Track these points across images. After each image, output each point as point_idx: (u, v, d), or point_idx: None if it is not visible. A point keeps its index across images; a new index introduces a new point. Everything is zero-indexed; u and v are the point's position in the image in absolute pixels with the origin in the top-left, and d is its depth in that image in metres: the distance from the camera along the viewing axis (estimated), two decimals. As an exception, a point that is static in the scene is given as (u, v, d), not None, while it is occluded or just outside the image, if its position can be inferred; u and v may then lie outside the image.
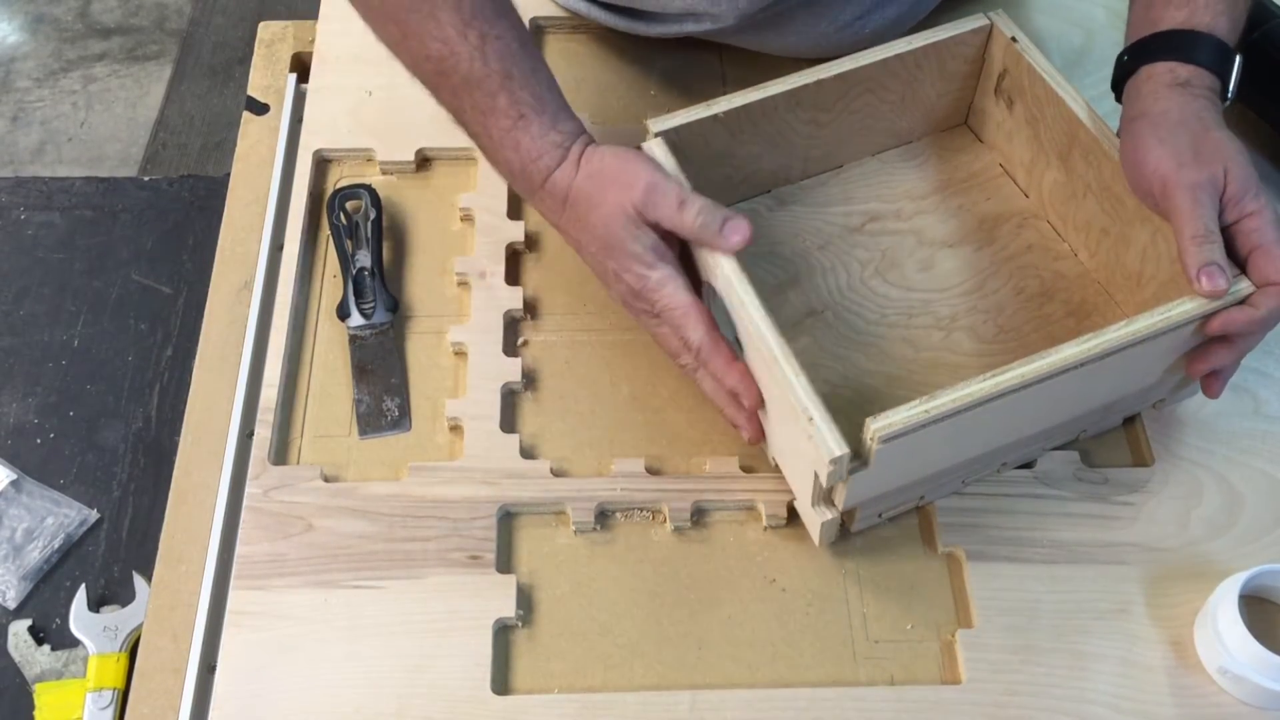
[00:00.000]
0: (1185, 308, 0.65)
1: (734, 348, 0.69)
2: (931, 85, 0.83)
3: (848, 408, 0.62)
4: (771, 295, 0.79)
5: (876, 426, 0.61)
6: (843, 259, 0.82)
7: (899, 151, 0.87)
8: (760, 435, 0.70)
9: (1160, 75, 0.70)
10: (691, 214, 0.67)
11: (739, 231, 0.67)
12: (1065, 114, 0.76)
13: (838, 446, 0.61)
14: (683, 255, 0.71)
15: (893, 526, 0.72)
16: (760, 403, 0.68)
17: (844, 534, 0.71)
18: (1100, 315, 0.77)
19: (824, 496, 0.66)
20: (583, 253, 0.72)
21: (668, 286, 0.68)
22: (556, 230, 0.73)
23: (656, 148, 0.73)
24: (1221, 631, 0.64)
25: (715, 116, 0.76)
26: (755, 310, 0.66)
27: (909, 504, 0.71)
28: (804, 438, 0.62)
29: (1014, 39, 0.79)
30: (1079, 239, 0.80)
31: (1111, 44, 0.95)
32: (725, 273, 0.67)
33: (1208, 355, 0.68)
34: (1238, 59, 0.71)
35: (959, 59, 0.81)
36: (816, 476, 0.63)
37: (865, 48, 0.79)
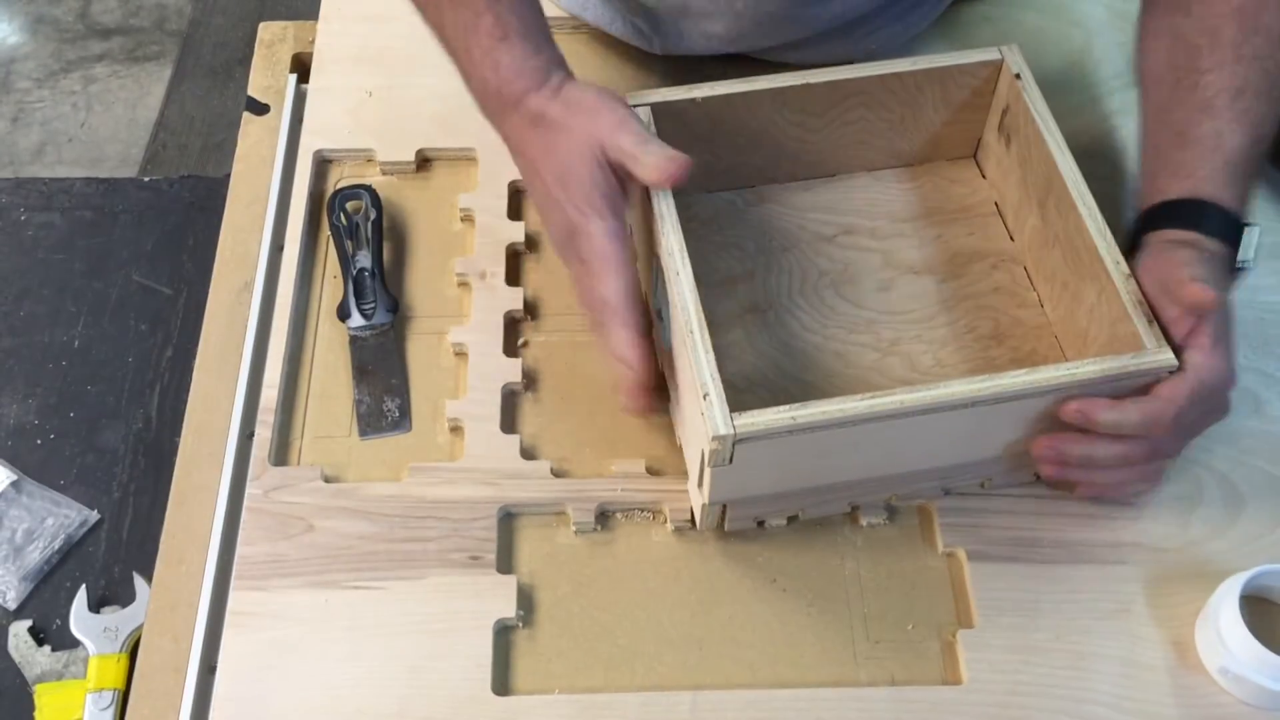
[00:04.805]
0: (1090, 369, 0.63)
1: (656, 317, 0.68)
2: (934, 110, 0.81)
3: (757, 405, 0.62)
4: (722, 284, 0.79)
5: (739, 424, 0.60)
6: (802, 264, 0.81)
7: (897, 172, 0.85)
8: (640, 409, 0.69)
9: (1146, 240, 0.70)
10: (644, 143, 0.67)
11: (675, 161, 0.66)
12: (1046, 157, 0.73)
13: (724, 426, 0.60)
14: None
15: (893, 527, 0.72)
16: (648, 378, 0.67)
17: (724, 531, 0.71)
18: (1047, 368, 0.76)
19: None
20: (535, 179, 0.71)
21: (601, 235, 0.67)
22: (514, 154, 0.73)
23: (642, 114, 0.73)
24: (1223, 632, 0.64)
25: (694, 100, 0.75)
26: (687, 279, 0.65)
27: (786, 515, 0.71)
28: (698, 413, 0.62)
29: (1018, 75, 0.76)
30: (1046, 289, 0.77)
31: (1112, 44, 0.95)
32: (670, 242, 0.67)
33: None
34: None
35: (964, 88, 0.79)
36: (703, 454, 0.63)
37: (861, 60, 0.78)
